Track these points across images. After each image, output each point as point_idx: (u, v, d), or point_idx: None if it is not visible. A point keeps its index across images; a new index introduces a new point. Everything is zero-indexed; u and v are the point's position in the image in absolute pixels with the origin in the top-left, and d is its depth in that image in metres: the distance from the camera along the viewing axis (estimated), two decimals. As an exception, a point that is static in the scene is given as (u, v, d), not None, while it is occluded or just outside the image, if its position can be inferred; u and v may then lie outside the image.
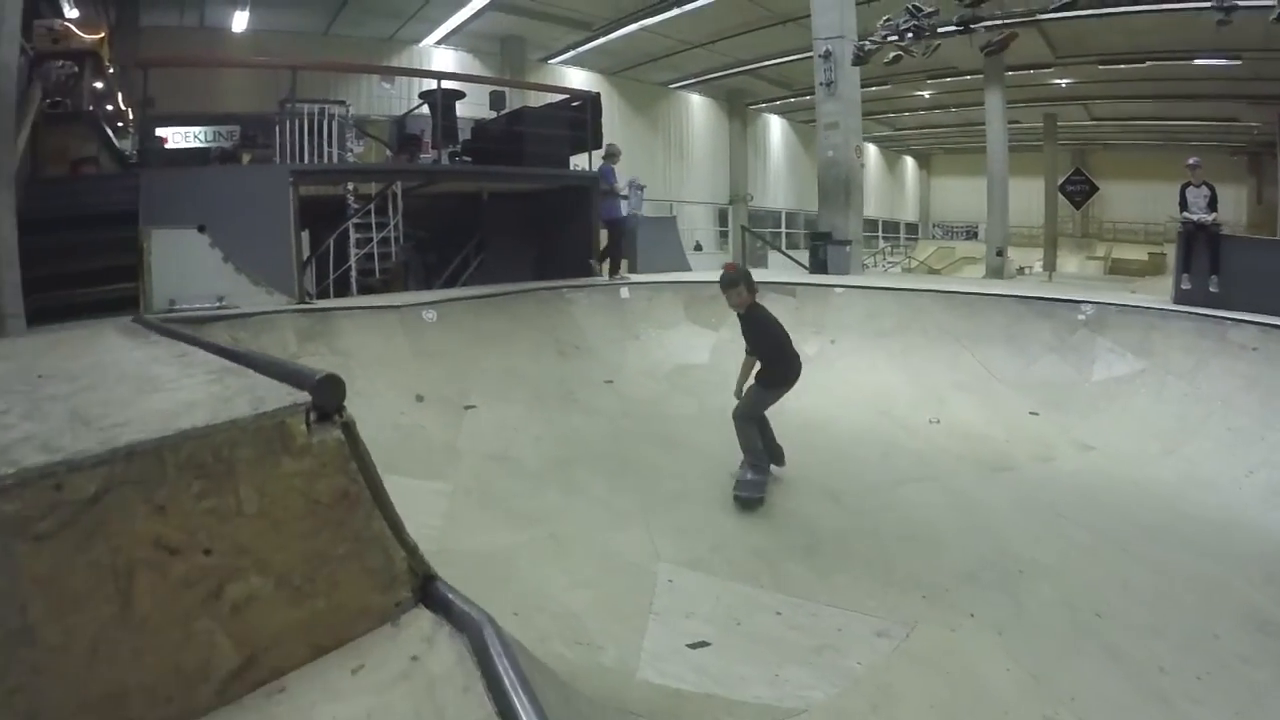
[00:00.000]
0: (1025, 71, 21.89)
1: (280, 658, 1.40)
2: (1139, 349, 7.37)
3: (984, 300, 8.03)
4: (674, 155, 25.22)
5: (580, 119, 10.99)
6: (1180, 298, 8.63)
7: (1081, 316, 7.70)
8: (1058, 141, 27.12)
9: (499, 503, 4.95)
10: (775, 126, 29.28)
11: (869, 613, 3.76)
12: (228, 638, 1.36)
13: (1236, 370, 7.22)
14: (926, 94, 25.00)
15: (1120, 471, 6.18)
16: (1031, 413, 6.90)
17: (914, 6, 11.83)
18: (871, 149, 33.36)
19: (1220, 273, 8.70)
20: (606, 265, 10.43)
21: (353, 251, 10.40)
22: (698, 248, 23.64)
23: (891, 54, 11.95)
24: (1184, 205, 9.37)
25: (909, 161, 38.28)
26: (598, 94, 11.58)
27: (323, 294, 9.36)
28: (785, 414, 5.82)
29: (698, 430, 6.35)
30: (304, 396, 1.52)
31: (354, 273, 10.34)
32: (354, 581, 1.51)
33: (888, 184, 35.85)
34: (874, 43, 11.91)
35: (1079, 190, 21.57)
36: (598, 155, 10.63)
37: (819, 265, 10.74)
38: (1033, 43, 18.39)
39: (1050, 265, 18.50)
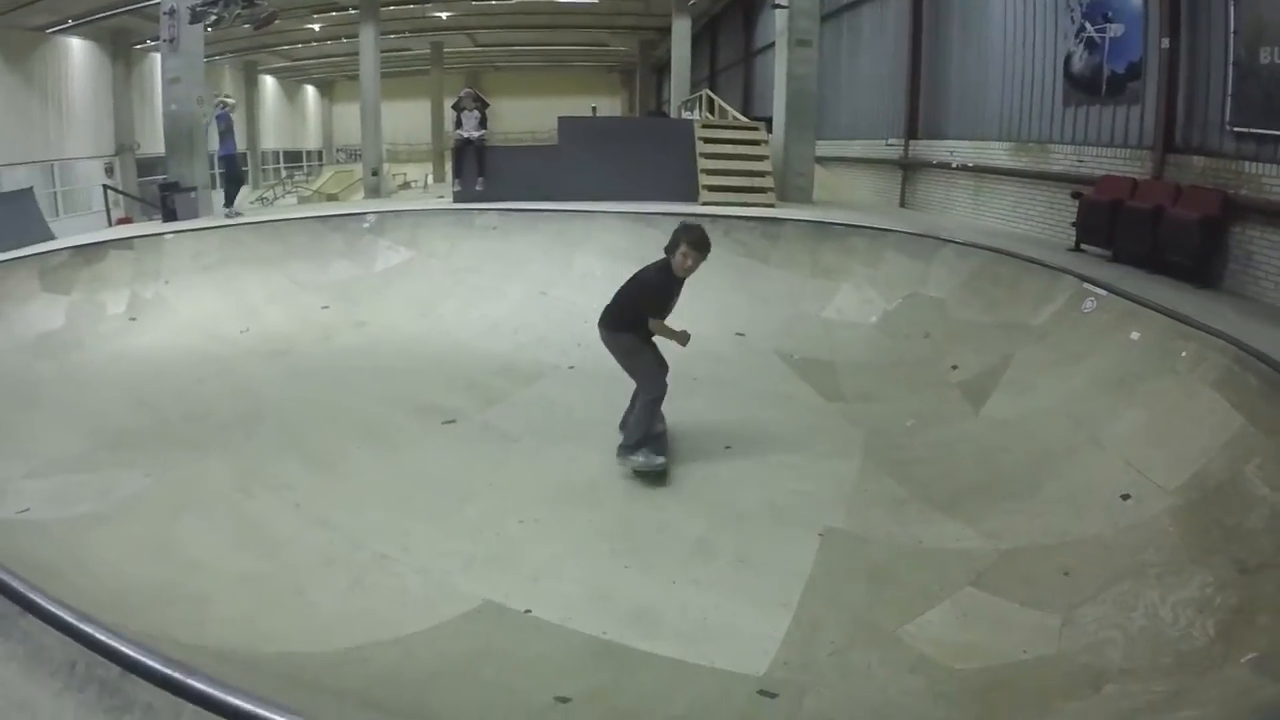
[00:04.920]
0: (405, 5, 23.84)
1: None
2: (409, 243, 9.75)
3: (290, 225, 9.74)
4: (53, 109, 22.90)
5: None
6: (457, 198, 11.23)
7: (366, 225, 9.83)
8: (445, 67, 30.30)
9: None
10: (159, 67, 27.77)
11: (139, 466, 5.34)
12: None
13: (481, 248, 9.89)
14: (317, 27, 26.00)
15: (385, 335, 8.50)
16: (323, 307, 8.79)
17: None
18: (270, 81, 33.51)
19: (485, 174, 11.42)
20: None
21: None
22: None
23: (213, 17, 12.67)
24: (459, 125, 11.87)
25: (310, 90, 39.13)
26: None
27: None
28: (130, 351, 7.40)
29: (60, 389, 7.00)
30: None
31: None
32: None
33: (288, 114, 36.33)
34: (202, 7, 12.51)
35: (471, 108, 24.45)
36: None
37: (169, 214, 11.44)
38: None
39: (440, 177, 21.38)
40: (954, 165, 12.23)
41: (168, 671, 1.80)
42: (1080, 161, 9.60)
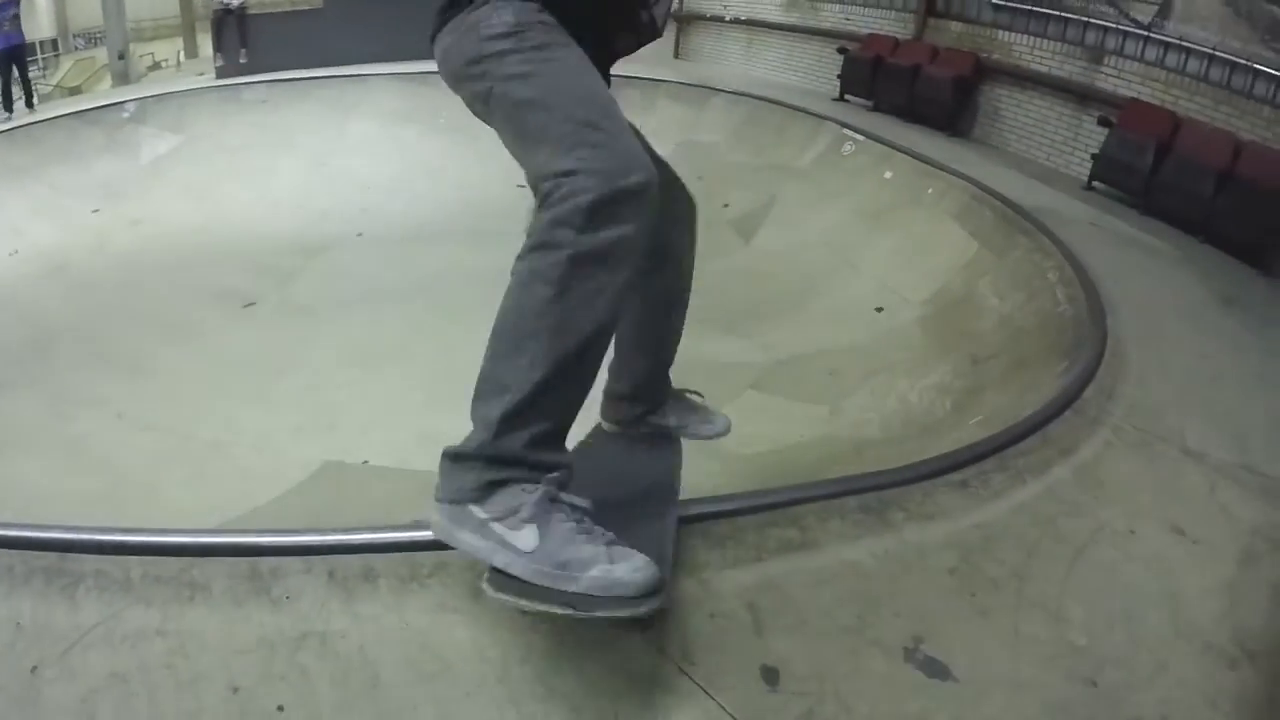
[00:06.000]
0: None
1: None
2: (176, 127, 9.24)
3: (40, 127, 9.01)
4: None
5: None
6: (220, 73, 10.54)
7: (125, 115, 9.15)
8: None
9: None
10: None
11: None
12: None
13: (252, 124, 9.57)
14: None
15: (165, 229, 8.19)
16: (94, 211, 8.23)
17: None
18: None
19: (248, 45, 10.71)
20: None
21: None
22: None
23: None
24: (214, -7, 10.93)
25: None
26: None
27: None
28: None
29: None
30: None
31: None
32: None
33: (12, 2, 31.11)
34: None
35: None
36: None
37: None
38: None
39: (191, 52, 19.08)
40: (727, 19, 12.75)
41: (105, 537, 1.85)
42: (848, 19, 10.46)
